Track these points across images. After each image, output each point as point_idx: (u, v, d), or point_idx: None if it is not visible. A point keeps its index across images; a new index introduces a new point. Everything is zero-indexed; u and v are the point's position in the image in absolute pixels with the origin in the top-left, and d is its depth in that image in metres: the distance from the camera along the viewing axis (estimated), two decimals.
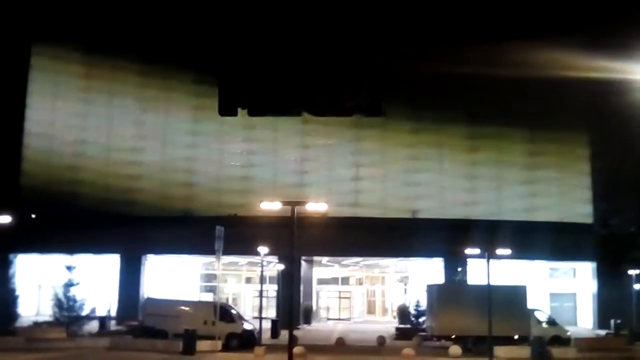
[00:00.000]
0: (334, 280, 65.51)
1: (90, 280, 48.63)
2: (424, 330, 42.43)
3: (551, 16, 55.10)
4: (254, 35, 57.77)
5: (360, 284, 65.91)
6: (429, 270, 56.57)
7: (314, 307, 60.56)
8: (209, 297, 57.49)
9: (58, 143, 59.26)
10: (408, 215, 55.65)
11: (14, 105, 58.27)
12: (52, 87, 60.42)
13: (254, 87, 59.15)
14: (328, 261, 61.59)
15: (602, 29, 51.93)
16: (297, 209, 23.90)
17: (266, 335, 41.33)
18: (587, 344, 36.67)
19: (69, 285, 40.86)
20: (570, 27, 55.41)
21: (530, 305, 39.56)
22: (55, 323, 40.31)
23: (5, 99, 56.84)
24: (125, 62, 59.72)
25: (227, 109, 59.48)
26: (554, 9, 54.86)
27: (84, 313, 41.52)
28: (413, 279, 61.20)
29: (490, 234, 42.97)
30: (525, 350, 34.31)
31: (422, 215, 55.42)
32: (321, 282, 64.44)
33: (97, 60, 60.05)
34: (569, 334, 39.69)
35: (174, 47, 58.89)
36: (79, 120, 59.79)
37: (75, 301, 40.82)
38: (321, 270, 63.63)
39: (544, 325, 39.46)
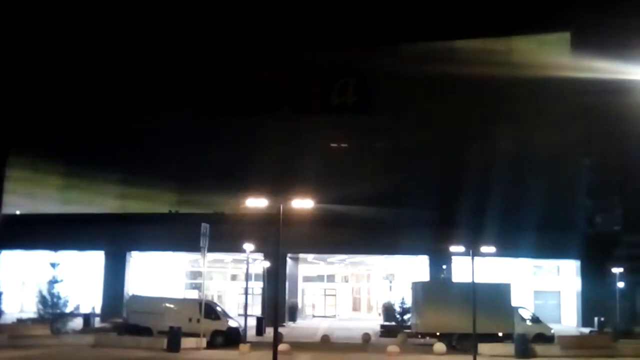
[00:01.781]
0: (320, 278, 65.57)
1: (75, 277, 48.46)
2: (408, 327, 42.49)
3: (534, 15, 55.36)
4: (242, 34, 57.85)
5: (346, 281, 65.99)
6: (414, 268, 56.72)
7: (300, 305, 60.58)
8: (194, 294, 57.41)
9: None
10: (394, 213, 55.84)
11: None
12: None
13: (240, 86, 59.19)
14: (314, 258, 61.63)
15: (589, 29, 52.23)
16: (282, 205, 23.91)
17: (251, 333, 41.27)
18: (570, 342, 36.85)
19: (53, 282, 40.63)
20: (552, 25, 55.74)
21: (514, 302, 39.63)
22: (39, 320, 40.09)
23: None
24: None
25: (214, 108, 59.46)
26: (536, 8, 55.13)
27: (68, 310, 41.25)
28: (398, 276, 61.35)
29: (475, 232, 43.07)
30: (509, 348, 34.48)
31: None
32: (307, 279, 64.47)
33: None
34: (552, 331, 39.79)
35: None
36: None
37: (59, 298, 40.58)
38: (307, 268, 63.67)
39: (528, 322, 39.51)
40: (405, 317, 46.57)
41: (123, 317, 42.52)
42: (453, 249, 38.65)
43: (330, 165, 58.08)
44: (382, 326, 47.11)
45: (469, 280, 34.04)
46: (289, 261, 55.55)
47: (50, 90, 60.94)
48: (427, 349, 36.27)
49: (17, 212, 56.79)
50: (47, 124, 60.79)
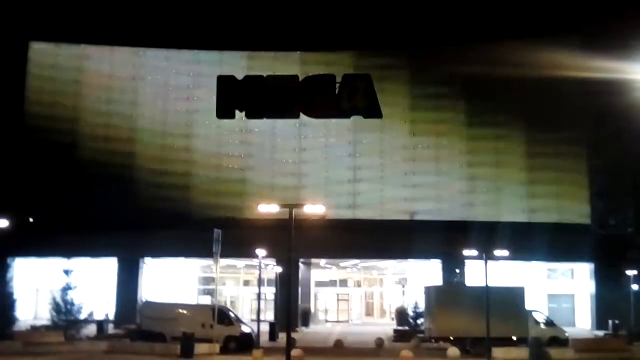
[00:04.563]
0: (332, 283, 65.41)
1: (88, 284, 48.61)
2: (422, 332, 42.41)
3: (548, 16, 55.19)
4: (250, 34, 57.94)
5: (359, 286, 65.84)
6: (427, 272, 56.57)
7: (313, 310, 60.51)
8: (207, 300, 57.52)
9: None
10: (406, 217, 55.79)
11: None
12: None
13: (252, 90, 59.29)
14: (326, 264, 61.58)
15: (600, 29, 52.01)
16: (295, 211, 23.90)
17: (264, 338, 41.24)
18: (585, 345, 36.77)
19: (67, 289, 40.81)
20: (567, 27, 55.56)
21: (528, 306, 39.54)
22: (53, 327, 40.28)
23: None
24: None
25: (225, 112, 59.57)
26: (551, 9, 54.94)
27: (82, 317, 41.47)
28: (411, 280, 61.21)
29: (488, 236, 42.94)
30: (523, 352, 34.31)
31: (420, 217, 55.60)
32: (319, 284, 64.35)
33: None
34: (567, 335, 39.66)
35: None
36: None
37: (73, 305, 40.76)
38: (319, 273, 63.59)
39: (542, 326, 39.42)
40: (419, 321, 46.42)
41: (137, 324, 42.63)
42: (466, 253, 38.58)
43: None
44: (396, 331, 47.07)
45: (482, 284, 33.96)
46: (301, 266, 55.63)
47: None
48: (441, 353, 36.15)
49: (31, 220, 56.98)
50: None
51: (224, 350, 36.13)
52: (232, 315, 40.28)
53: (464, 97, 57.98)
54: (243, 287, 63.62)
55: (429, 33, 56.78)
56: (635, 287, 48.60)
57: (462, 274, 51.11)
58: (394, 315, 57.94)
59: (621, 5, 50.15)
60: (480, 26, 56.22)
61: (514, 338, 36.67)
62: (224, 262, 47.03)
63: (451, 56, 57.49)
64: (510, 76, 54.03)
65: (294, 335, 34.79)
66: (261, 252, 41.33)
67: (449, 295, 40.81)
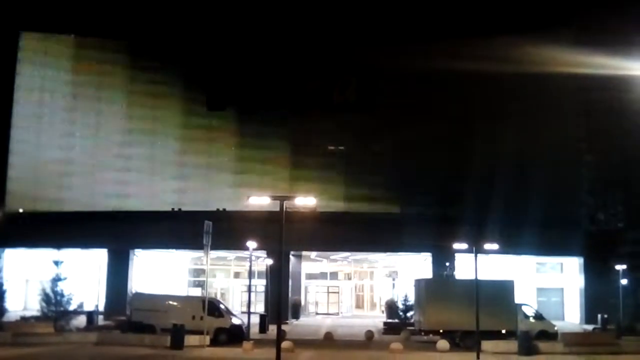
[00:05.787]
0: (323, 275, 65.47)
1: (78, 275, 48.49)
2: (412, 324, 42.51)
3: (536, 13, 55.29)
4: (242, 31, 57.83)
5: (349, 278, 65.92)
6: (417, 265, 56.69)
7: (303, 302, 60.55)
8: (197, 291, 57.47)
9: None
10: (397, 210, 55.89)
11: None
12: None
13: (242, 83, 59.26)
14: (317, 256, 61.59)
15: (588, 25, 52.16)
16: (286, 203, 23.90)
17: (254, 330, 41.25)
18: (574, 339, 36.85)
19: (56, 279, 40.69)
20: (554, 22, 55.69)
21: (517, 300, 39.62)
22: (43, 318, 40.13)
23: None
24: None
25: (215, 104, 59.53)
26: (538, 5, 55.07)
27: (71, 308, 41.34)
28: (401, 273, 61.33)
29: (478, 229, 43.03)
30: (512, 345, 34.48)
31: (409, 210, 55.74)
32: (310, 276, 64.40)
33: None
34: (556, 328, 39.78)
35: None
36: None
37: (62, 296, 40.65)
38: (310, 265, 63.64)
39: (532, 320, 39.53)
40: (409, 314, 46.56)
41: (126, 315, 42.53)
42: (456, 246, 38.65)
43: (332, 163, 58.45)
44: (385, 323, 47.17)
45: (472, 277, 34.04)
46: (292, 258, 55.64)
47: None
48: (431, 346, 36.26)
49: (20, 210, 56.82)
50: None
51: (214, 342, 36.13)
52: (222, 307, 40.27)
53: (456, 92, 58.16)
54: (233, 279, 63.61)
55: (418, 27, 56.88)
56: (624, 281, 48.79)
57: (452, 267, 51.20)
58: (383, 308, 58.05)
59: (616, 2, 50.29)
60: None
61: (503, 331, 36.78)
62: (214, 253, 46.99)
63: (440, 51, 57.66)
64: (500, 70, 54.20)
65: (284, 327, 34.78)
66: (252, 244, 41.29)
67: (439, 288, 40.89)
